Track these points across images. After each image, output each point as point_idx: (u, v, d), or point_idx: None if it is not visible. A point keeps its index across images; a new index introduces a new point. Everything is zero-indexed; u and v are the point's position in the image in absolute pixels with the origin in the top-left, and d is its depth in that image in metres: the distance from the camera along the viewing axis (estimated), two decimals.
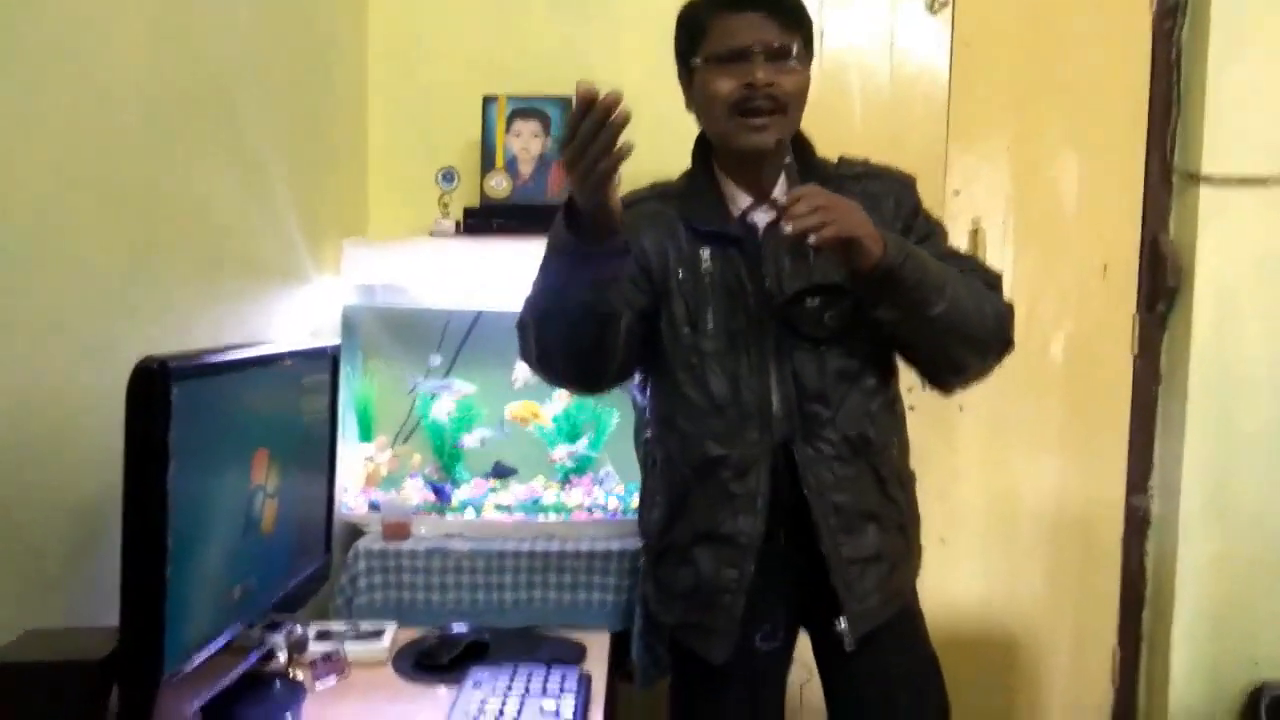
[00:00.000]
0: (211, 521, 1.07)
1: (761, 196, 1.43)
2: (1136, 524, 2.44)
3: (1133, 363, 2.42)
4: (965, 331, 1.36)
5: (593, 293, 1.27)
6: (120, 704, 0.96)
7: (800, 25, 1.38)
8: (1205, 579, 2.34)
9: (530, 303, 1.36)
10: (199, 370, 1.02)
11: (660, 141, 2.31)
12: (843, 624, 1.39)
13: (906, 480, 1.52)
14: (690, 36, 1.41)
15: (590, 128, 1.11)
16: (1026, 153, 2.39)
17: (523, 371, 2.06)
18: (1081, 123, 2.38)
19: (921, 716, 1.51)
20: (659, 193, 1.50)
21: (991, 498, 2.45)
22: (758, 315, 1.39)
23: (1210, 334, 2.30)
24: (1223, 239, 2.28)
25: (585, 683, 1.36)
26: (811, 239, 1.20)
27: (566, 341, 1.34)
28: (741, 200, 1.44)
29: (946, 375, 1.45)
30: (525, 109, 2.14)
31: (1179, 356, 2.35)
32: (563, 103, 2.15)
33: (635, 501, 2.01)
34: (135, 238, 1.29)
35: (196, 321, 1.46)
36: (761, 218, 1.43)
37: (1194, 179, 2.28)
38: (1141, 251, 2.40)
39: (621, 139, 1.12)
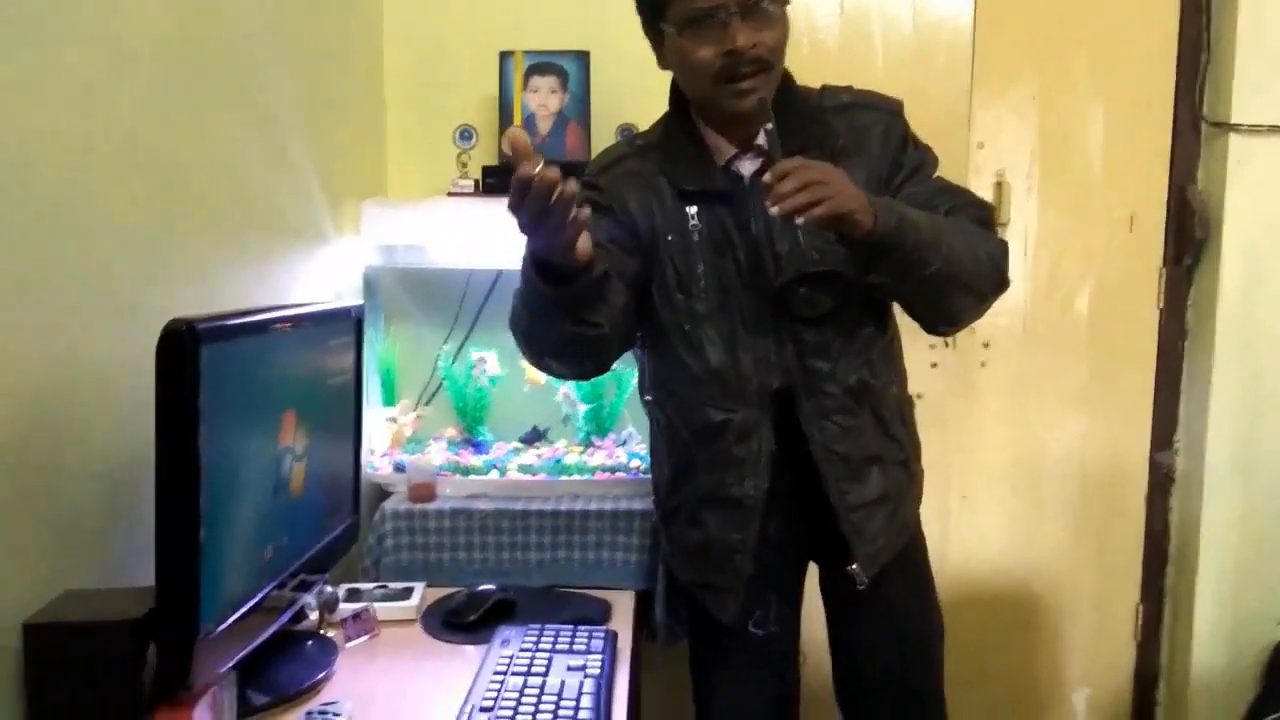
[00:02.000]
0: (243, 483, 1.08)
1: (746, 144, 1.38)
2: (1161, 481, 2.43)
3: (1158, 317, 2.39)
4: (961, 283, 1.32)
5: (573, 322, 1.24)
6: (157, 662, 0.98)
7: None
8: (1229, 536, 2.33)
9: (515, 319, 1.33)
10: (227, 332, 1.01)
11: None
12: (855, 567, 1.40)
13: (907, 412, 1.50)
14: None
15: (536, 207, 1.04)
16: (1052, 103, 2.34)
17: None
18: (1108, 72, 2.33)
19: (927, 649, 1.54)
20: (638, 148, 1.45)
21: (1014, 454, 2.44)
22: (749, 270, 1.36)
23: (1238, 287, 2.27)
24: (1252, 189, 2.24)
25: (611, 641, 1.37)
26: (799, 220, 1.16)
27: (559, 354, 1.35)
28: (725, 149, 1.39)
29: (942, 325, 1.43)
30: (542, 64, 2.12)
31: (1205, 310, 2.32)
32: (580, 57, 2.12)
33: None
34: (159, 200, 1.29)
35: (221, 283, 1.46)
36: (747, 166, 1.38)
37: (1223, 128, 2.24)
38: (1169, 203, 2.36)
39: (575, 201, 1.06)
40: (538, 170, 1.01)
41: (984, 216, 1.41)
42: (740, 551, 1.41)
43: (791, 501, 1.43)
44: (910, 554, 1.52)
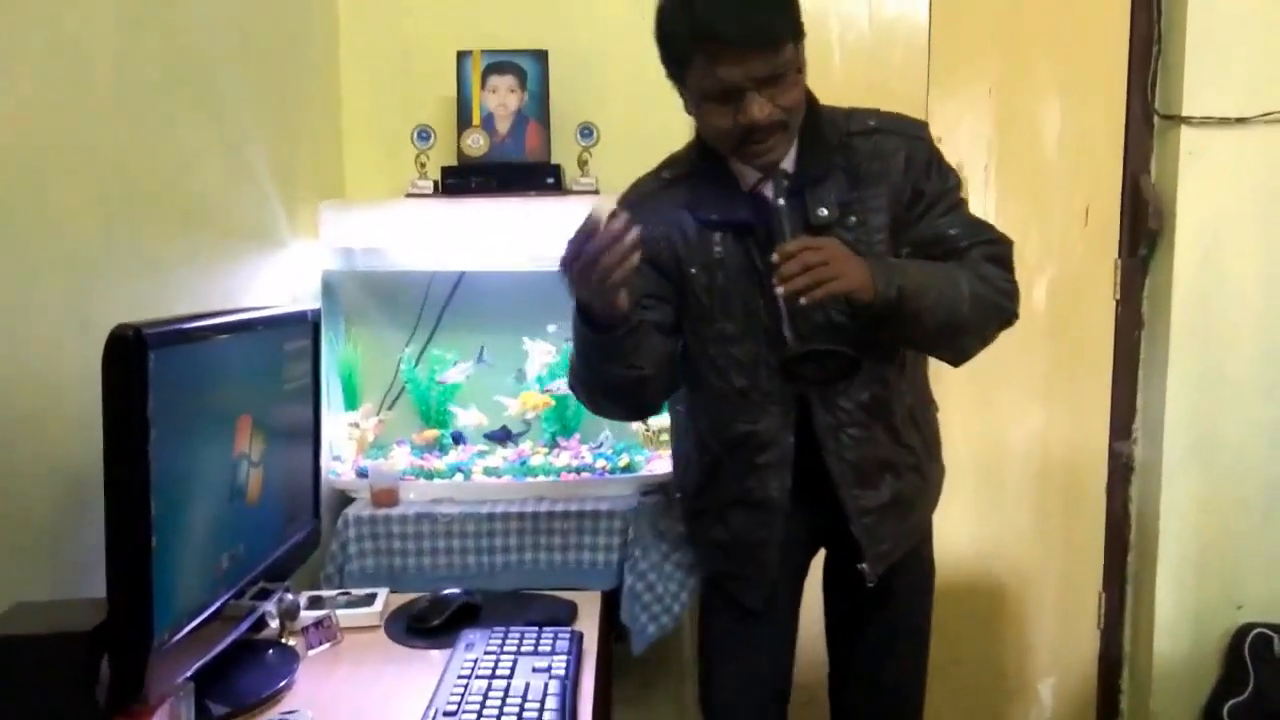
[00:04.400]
0: (196, 490, 1.06)
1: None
2: (1120, 469, 2.46)
3: (1115, 308, 2.43)
4: (962, 330, 1.39)
5: (619, 365, 1.35)
6: (110, 674, 0.96)
7: (787, 33, 1.28)
8: (1188, 523, 2.36)
9: (572, 372, 1.46)
10: (176, 337, 1.00)
11: (638, 95, 2.28)
12: (864, 566, 1.48)
13: (921, 416, 1.55)
14: (673, 59, 1.34)
15: (596, 249, 1.18)
16: (1008, 97, 2.37)
17: (531, 367, 2.11)
18: (1062, 66, 2.36)
19: (921, 640, 1.64)
20: (664, 181, 1.48)
21: (976, 445, 2.46)
22: (772, 294, 1.37)
23: (1191, 277, 2.30)
24: (1204, 181, 2.27)
25: (577, 642, 1.36)
26: (802, 300, 1.23)
27: (613, 399, 1.46)
28: (749, 175, 1.41)
29: (949, 359, 1.47)
30: (500, 63, 2.10)
31: (1161, 301, 2.36)
32: (538, 56, 2.11)
33: (624, 460, 2.02)
34: (110, 201, 1.27)
35: (174, 288, 1.44)
36: (771, 189, 1.39)
37: (1175, 120, 2.27)
38: (1123, 195, 2.39)
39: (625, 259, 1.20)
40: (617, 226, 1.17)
41: (998, 253, 1.44)
42: (765, 546, 1.50)
43: (811, 500, 1.49)
44: (917, 566, 1.60)
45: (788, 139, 1.36)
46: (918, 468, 1.53)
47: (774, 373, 1.41)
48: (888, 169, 1.40)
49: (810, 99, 1.40)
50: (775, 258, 1.24)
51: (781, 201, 1.33)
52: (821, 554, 1.66)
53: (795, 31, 1.31)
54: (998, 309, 1.41)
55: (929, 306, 1.32)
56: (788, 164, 1.38)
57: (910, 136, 1.44)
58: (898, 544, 1.51)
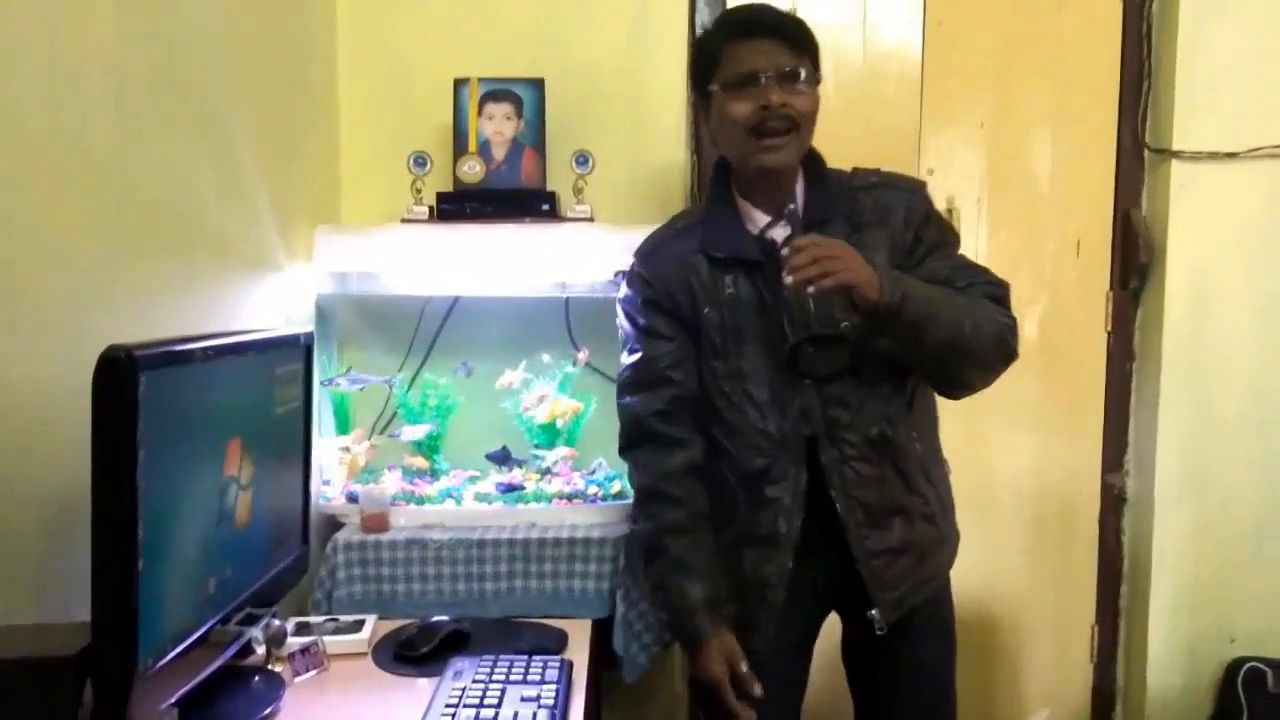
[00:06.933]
0: (183, 514, 1.05)
1: (778, 214, 1.48)
2: (1113, 502, 2.46)
3: (1106, 340, 2.43)
4: (963, 352, 1.42)
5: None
6: (94, 700, 0.94)
7: (809, 49, 1.44)
8: (1181, 556, 2.36)
9: (640, 543, 1.61)
10: (167, 359, 0.99)
11: (633, 123, 2.29)
12: (874, 612, 1.47)
13: (934, 472, 1.57)
14: (705, 65, 1.47)
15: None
16: (1000, 130, 2.39)
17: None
18: (1054, 99, 2.38)
19: (946, 710, 1.61)
20: (677, 230, 1.56)
21: (968, 478, 2.42)
22: (780, 330, 1.45)
23: (1183, 309, 2.32)
24: (1195, 214, 2.29)
25: (567, 670, 1.35)
26: (810, 289, 1.29)
27: None
28: (759, 218, 1.49)
29: (949, 388, 1.52)
30: (497, 91, 2.12)
31: (1152, 333, 2.37)
32: (535, 84, 2.13)
33: (615, 487, 2.02)
34: (104, 221, 1.27)
35: (167, 310, 1.44)
36: (779, 233, 1.47)
37: (1165, 154, 2.29)
38: (1114, 228, 2.41)
39: None
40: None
41: (997, 294, 1.50)
42: (772, 585, 1.50)
43: (821, 544, 1.49)
44: (938, 612, 1.59)
45: (797, 146, 1.45)
46: (931, 518, 1.53)
47: (786, 407, 1.46)
48: (888, 218, 1.48)
49: (816, 153, 1.51)
50: (785, 250, 1.32)
51: (793, 206, 1.45)
52: (839, 632, 1.64)
53: (813, 56, 1.45)
54: (997, 339, 1.45)
55: (931, 316, 1.37)
56: (796, 206, 1.47)
57: (909, 191, 1.53)
58: (909, 593, 1.50)
